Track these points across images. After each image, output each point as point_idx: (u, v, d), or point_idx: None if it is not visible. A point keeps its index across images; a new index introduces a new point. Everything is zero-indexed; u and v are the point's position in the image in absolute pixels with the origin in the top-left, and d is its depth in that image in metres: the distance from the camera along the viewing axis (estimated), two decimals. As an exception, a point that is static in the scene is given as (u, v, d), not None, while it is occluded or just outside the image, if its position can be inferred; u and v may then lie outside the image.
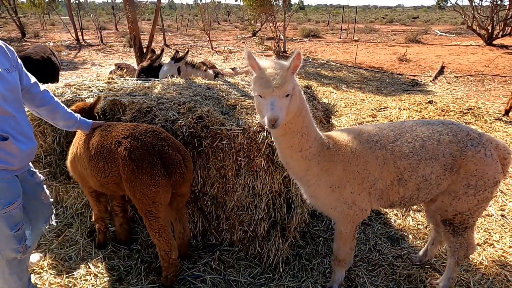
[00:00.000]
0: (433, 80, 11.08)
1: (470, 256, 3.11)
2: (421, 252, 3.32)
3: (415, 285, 3.01)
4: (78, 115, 2.87)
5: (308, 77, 11.60)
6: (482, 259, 3.32)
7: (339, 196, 2.47)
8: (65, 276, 3.06)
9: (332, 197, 2.48)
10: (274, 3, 16.52)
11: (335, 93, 9.62)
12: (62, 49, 17.31)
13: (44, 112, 2.64)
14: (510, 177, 4.85)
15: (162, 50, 5.84)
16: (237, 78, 4.77)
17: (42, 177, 2.69)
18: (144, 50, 9.09)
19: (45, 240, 3.49)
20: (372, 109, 7.91)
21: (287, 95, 2.01)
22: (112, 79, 4.54)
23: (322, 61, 14.60)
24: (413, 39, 19.56)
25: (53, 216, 2.87)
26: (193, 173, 3.23)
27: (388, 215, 4.03)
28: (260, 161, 2.99)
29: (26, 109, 2.54)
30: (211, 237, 3.47)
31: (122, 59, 14.90)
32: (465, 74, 11.50)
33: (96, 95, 3.80)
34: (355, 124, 7.02)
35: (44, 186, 2.71)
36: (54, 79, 5.97)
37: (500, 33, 16.28)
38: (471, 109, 7.63)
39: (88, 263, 3.21)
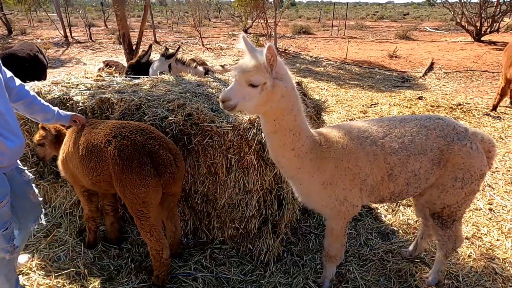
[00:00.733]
0: (423, 76, 11.18)
1: (458, 249, 3.16)
2: (411, 247, 3.36)
3: (405, 279, 3.04)
4: (56, 108, 2.83)
5: (300, 73, 11.60)
6: (471, 252, 3.37)
7: (331, 193, 2.47)
8: (54, 276, 3.01)
9: (324, 194, 2.49)
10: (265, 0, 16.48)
11: (326, 89, 9.65)
12: (50, 47, 17.03)
13: (21, 107, 2.60)
14: (497, 171, 4.93)
15: (150, 46, 5.77)
16: (227, 75, 4.74)
17: (31, 176, 2.65)
18: (134, 47, 8.97)
19: (33, 241, 3.44)
20: (363, 105, 7.96)
21: (254, 86, 1.99)
22: (101, 76, 4.47)
23: (313, 58, 14.61)
24: (403, 35, 19.69)
25: (42, 216, 2.83)
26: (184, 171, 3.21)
27: (379, 211, 4.06)
28: (250, 158, 2.98)
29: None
30: (202, 235, 3.46)
31: (111, 56, 14.71)
32: (454, 70, 11.63)
33: (83, 93, 3.75)
34: (346, 121, 7.06)
35: (33, 185, 2.67)
36: (41, 77, 5.86)
37: (488, 29, 16.47)
38: (460, 104, 7.73)
39: (78, 263, 3.17)
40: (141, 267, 3.14)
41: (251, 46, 2.04)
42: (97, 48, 17.27)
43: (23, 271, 3.07)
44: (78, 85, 4.05)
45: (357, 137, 2.48)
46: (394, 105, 7.78)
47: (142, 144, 2.66)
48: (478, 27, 16.45)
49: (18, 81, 2.54)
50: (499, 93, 7.23)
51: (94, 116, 3.59)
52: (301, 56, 15.11)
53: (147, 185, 2.62)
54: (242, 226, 3.20)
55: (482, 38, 16.40)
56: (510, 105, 7.71)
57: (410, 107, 7.58)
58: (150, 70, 5.09)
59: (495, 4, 16.62)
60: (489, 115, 7.23)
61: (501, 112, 7.38)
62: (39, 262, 3.17)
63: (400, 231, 3.73)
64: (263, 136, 2.87)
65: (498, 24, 16.73)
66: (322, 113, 4.50)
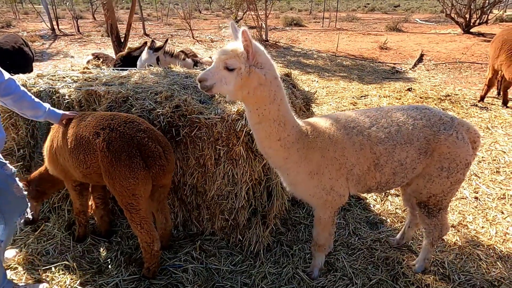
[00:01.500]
0: (413, 67, 11.25)
1: (444, 236, 3.22)
2: (398, 235, 3.41)
3: (392, 267, 3.09)
4: (47, 105, 2.78)
5: (290, 65, 11.58)
6: (456, 240, 3.44)
7: (317, 182, 2.49)
8: (42, 270, 3.00)
9: (311, 184, 2.50)
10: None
11: (317, 81, 9.66)
12: (37, 39, 16.67)
13: (9, 102, 2.55)
14: (484, 161, 5.02)
15: (145, 44, 5.71)
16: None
17: (13, 169, 2.61)
18: (122, 40, 8.84)
19: (21, 235, 3.41)
20: (353, 97, 7.99)
21: (230, 70, 2.04)
22: (88, 68, 4.41)
23: (304, 50, 14.58)
24: (393, 27, 19.70)
25: (28, 210, 2.80)
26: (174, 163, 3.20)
27: (368, 200, 4.11)
28: (239, 149, 2.98)
29: None
30: (192, 226, 3.47)
31: (100, 49, 14.47)
32: (444, 62, 11.72)
33: (70, 86, 3.69)
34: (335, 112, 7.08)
35: (17, 179, 2.63)
36: (26, 69, 5.72)
37: (477, 21, 16.58)
38: (448, 95, 7.82)
39: (66, 256, 3.15)
40: (131, 260, 3.14)
41: (236, 32, 2.06)
42: (85, 41, 16.96)
43: (10, 266, 3.05)
44: (64, 77, 3.99)
45: (344, 127, 2.50)
46: (384, 97, 7.83)
47: (131, 136, 2.64)
48: (467, 19, 16.56)
49: (6, 75, 2.48)
50: (487, 84, 7.32)
51: (81, 109, 3.55)
52: (292, 48, 15.07)
53: (136, 177, 2.61)
54: (231, 217, 3.21)
55: (471, 30, 16.51)
56: (497, 96, 7.82)
57: (399, 99, 7.63)
58: (138, 63, 5.03)
59: (484, -4, 16.73)
60: (476, 105, 7.32)
61: (488, 103, 7.48)
62: (27, 257, 3.15)
63: (388, 220, 3.78)
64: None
65: (487, 16, 16.85)
66: (312, 104, 4.51)
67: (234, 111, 3.02)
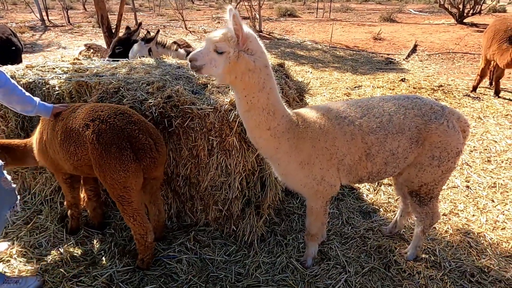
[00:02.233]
0: (406, 58, 11.26)
1: (436, 225, 3.26)
2: (391, 224, 3.45)
3: (384, 255, 3.13)
4: (37, 99, 2.73)
5: (284, 56, 11.52)
6: (448, 228, 3.49)
7: (308, 172, 2.50)
8: (35, 263, 2.98)
9: (302, 174, 2.51)
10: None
11: (311, 72, 9.63)
12: (26, 30, 16.33)
13: None
14: (475, 150, 5.07)
15: (139, 24, 5.64)
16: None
17: (0, 162, 2.57)
18: (114, 30, 8.70)
19: (13, 228, 3.38)
20: (347, 88, 7.99)
21: (220, 53, 2.06)
22: (78, 59, 4.33)
23: (298, 41, 14.50)
24: (387, 18, 19.64)
25: (17, 203, 2.76)
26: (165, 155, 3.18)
27: (361, 190, 4.14)
28: (232, 140, 2.97)
29: None
30: (186, 217, 3.47)
31: (91, 40, 14.22)
32: (437, 52, 11.74)
33: (60, 77, 3.63)
34: (330, 103, 7.08)
35: (5, 172, 2.59)
36: (15, 61, 5.61)
37: (471, 11, 16.59)
38: (441, 86, 7.86)
39: (60, 249, 3.14)
40: (125, 251, 3.13)
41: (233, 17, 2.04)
42: (76, 32, 16.67)
43: (3, 259, 3.03)
44: (54, 68, 3.92)
45: (335, 117, 2.49)
46: (378, 87, 7.84)
47: (121, 128, 2.61)
48: (460, 9, 16.56)
49: None
50: (479, 74, 7.36)
51: (72, 100, 3.50)
52: (286, 39, 14.97)
53: (127, 170, 2.58)
54: (225, 208, 3.21)
55: (464, 20, 16.53)
56: (489, 86, 7.87)
57: (393, 89, 7.65)
58: (130, 54, 4.97)
59: (477, -14, 16.71)
60: (469, 96, 7.37)
61: (481, 93, 7.53)
62: (19, 249, 3.13)
63: (381, 209, 3.82)
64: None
65: (480, 6, 16.87)
66: (306, 95, 4.50)
67: (227, 101, 3.00)
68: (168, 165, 3.22)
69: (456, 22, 16.59)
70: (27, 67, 3.95)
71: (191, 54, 2.13)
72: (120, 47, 5.20)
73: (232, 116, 2.90)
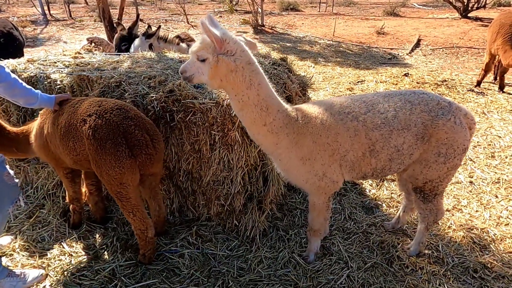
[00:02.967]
0: (410, 53, 11.16)
1: (439, 221, 3.24)
2: (393, 220, 3.43)
3: (387, 250, 3.12)
4: (38, 91, 2.72)
5: (287, 51, 11.44)
6: (451, 224, 3.47)
7: (310, 168, 2.48)
8: (38, 257, 2.99)
9: (303, 170, 2.49)
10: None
11: (314, 67, 9.56)
12: (28, 25, 16.28)
13: (0, 90, 2.50)
14: (479, 146, 5.03)
15: (137, 16, 5.60)
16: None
17: (2, 157, 2.56)
18: (115, 25, 8.65)
19: (15, 222, 3.40)
20: (350, 83, 7.93)
21: (202, 61, 2.16)
22: (79, 53, 4.31)
23: (301, 35, 14.40)
24: (391, 12, 19.45)
25: (20, 197, 2.76)
26: (167, 149, 3.17)
27: (363, 185, 4.12)
28: (234, 134, 2.95)
29: None
30: (188, 212, 3.46)
31: (92, 34, 14.17)
32: (441, 47, 11.63)
33: (62, 71, 3.61)
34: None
35: (7, 166, 2.59)
36: (17, 55, 5.59)
37: (475, 5, 16.41)
38: (445, 81, 7.78)
39: (62, 243, 3.15)
40: (127, 246, 3.14)
41: (211, 24, 2.10)
42: (77, 26, 16.61)
43: (6, 253, 3.04)
44: (55, 62, 3.90)
45: (338, 112, 2.46)
46: (381, 82, 7.78)
47: (117, 124, 2.58)
48: (465, 3, 16.37)
49: None
50: (484, 69, 7.29)
51: (74, 94, 3.48)
52: (289, 33, 14.87)
53: (122, 166, 2.56)
54: (227, 203, 3.20)
55: (469, 15, 16.34)
56: (493, 81, 7.80)
57: (396, 84, 7.59)
58: (131, 49, 4.93)
59: (482, -20, 16.51)
60: (473, 90, 7.30)
61: (485, 88, 7.46)
62: (22, 243, 3.14)
63: (384, 205, 3.80)
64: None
65: (485, 0, 16.67)
66: (309, 90, 4.47)
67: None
68: (170, 159, 3.21)
69: (460, 16, 16.40)
70: (28, 61, 3.93)
71: (181, 66, 2.26)
72: (126, 43, 5.15)
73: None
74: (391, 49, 11.88)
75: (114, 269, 2.88)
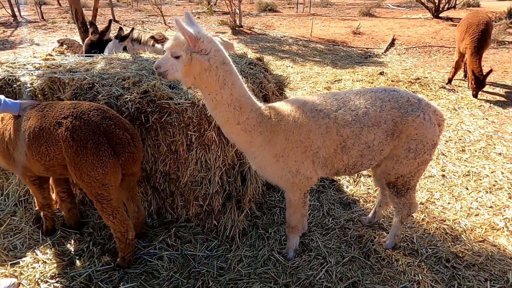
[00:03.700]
0: (385, 52, 11.44)
1: (413, 214, 3.34)
2: (370, 214, 3.51)
3: (364, 244, 3.19)
4: (2, 96, 2.62)
5: (265, 51, 11.50)
6: (424, 216, 3.58)
7: (283, 165, 2.51)
8: (9, 265, 2.89)
9: (277, 167, 2.53)
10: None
11: (292, 66, 9.65)
12: (-3, 27, 15.69)
13: None
14: (451, 140, 5.21)
15: (110, 21, 5.46)
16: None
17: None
18: (88, 24, 8.44)
19: (-15, 231, 3.26)
20: (327, 82, 8.06)
21: (176, 57, 2.16)
22: (51, 55, 4.19)
23: (279, 36, 14.50)
24: (366, 12, 19.89)
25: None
26: (143, 150, 3.12)
27: (341, 182, 4.20)
28: (211, 134, 2.95)
29: None
30: (167, 214, 3.43)
31: (66, 36, 13.78)
32: (414, 46, 11.98)
33: (32, 73, 3.50)
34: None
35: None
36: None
37: (446, 6, 17.01)
38: (418, 79, 8.03)
39: (36, 250, 3.06)
40: (104, 250, 3.08)
41: (188, 22, 2.15)
42: (50, 28, 16.11)
43: (-25, 263, 2.92)
44: (25, 65, 3.78)
45: (310, 110, 2.51)
46: (357, 81, 7.95)
47: (96, 123, 2.54)
48: (436, 4, 16.94)
49: None
50: (454, 66, 7.57)
51: (45, 97, 3.38)
52: (267, 34, 14.94)
53: (105, 166, 2.52)
54: (206, 203, 3.19)
55: (440, 15, 16.92)
56: (463, 78, 8.10)
57: (372, 82, 7.77)
58: (105, 53, 4.83)
59: (452, -19, 17.12)
60: (444, 88, 7.56)
61: (455, 85, 7.74)
62: (-7, 252, 3.02)
63: (361, 200, 3.88)
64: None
65: (455, 0, 17.31)
66: (286, 89, 4.52)
67: (204, 95, 2.96)
68: (147, 161, 3.17)
69: (432, 17, 16.96)
70: (-5, 63, 3.79)
71: (156, 62, 2.25)
72: (96, 50, 5.02)
73: (211, 111, 2.87)
74: (367, 48, 12.14)
75: (90, 275, 2.81)
